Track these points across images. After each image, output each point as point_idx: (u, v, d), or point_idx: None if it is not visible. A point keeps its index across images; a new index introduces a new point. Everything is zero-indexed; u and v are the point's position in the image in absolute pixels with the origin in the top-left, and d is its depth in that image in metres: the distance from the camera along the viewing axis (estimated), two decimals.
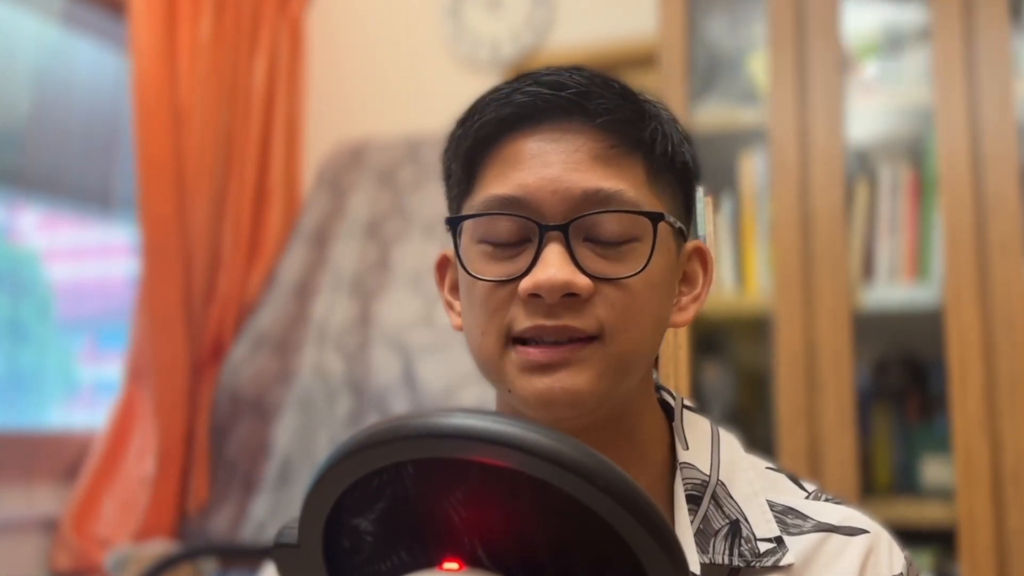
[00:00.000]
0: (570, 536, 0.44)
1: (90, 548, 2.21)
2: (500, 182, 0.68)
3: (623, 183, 0.67)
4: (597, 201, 0.66)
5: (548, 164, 0.67)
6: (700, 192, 0.78)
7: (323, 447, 2.31)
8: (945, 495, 1.75)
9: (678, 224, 0.71)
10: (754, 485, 0.72)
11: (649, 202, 0.68)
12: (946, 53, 1.76)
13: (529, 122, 0.69)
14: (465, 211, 0.71)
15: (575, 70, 0.70)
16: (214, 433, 2.46)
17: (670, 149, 0.71)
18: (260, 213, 2.67)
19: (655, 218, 0.67)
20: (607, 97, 0.68)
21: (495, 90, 0.71)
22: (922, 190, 1.81)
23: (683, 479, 0.70)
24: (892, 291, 1.79)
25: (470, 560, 0.45)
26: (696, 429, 0.74)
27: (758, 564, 0.68)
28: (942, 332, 1.70)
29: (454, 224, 0.72)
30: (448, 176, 0.75)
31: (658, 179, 0.70)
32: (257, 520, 2.30)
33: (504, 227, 0.68)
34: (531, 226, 0.67)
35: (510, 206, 0.67)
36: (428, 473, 0.44)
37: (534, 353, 0.65)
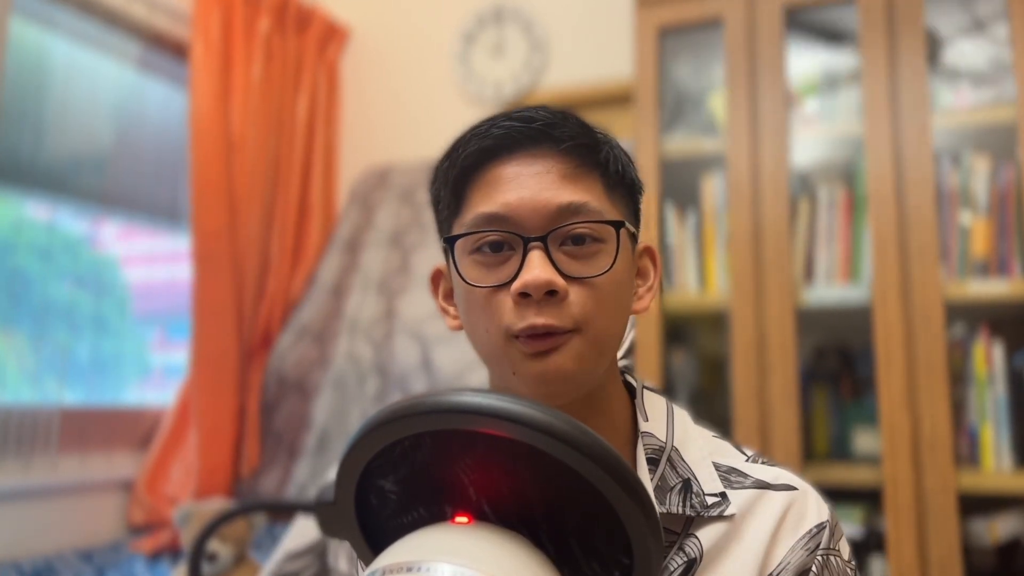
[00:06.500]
0: (561, 495, 0.44)
1: (160, 505, 2.21)
2: (486, 202, 0.68)
3: (587, 196, 0.67)
4: (569, 213, 0.66)
5: (525, 185, 0.67)
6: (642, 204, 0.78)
7: (355, 421, 2.31)
8: (873, 461, 1.75)
9: (632, 229, 0.71)
10: (703, 450, 0.73)
11: (609, 211, 0.68)
12: (874, 92, 1.76)
13: (506, 151, 0.68)
14: (455, 230, 0.70)
15: (541, 108, 0.69)
16: (264, 409, 2.45)
17: (620, 168, 0.71)
18: (302, 225, 2.67)
19: (617, 225, 0.68)
20: (568, 127, 0.68)
21: (475, 126, 0.71)
22: (854, 207, 1.81)
23: (644, 445, 0.71)
24: (829, 291, 1.79)
25: (478, 515, 0.45)
26: (654, 406, 0.74)
27: (706, 514, 0.68)
28: (870, 325, 1.70)
29: (451, 242, 0.71)
30: (437, 201, 0.74)
31: (613, 192, 0.70)
32: (299, 482, 2.30)
33: (492, 240, 0.68)
34: (515, 238, 0.67)
35: (496, 222, 0.67)
36: (442, 442, 0.44)
37: (532, 343, 0.66)
